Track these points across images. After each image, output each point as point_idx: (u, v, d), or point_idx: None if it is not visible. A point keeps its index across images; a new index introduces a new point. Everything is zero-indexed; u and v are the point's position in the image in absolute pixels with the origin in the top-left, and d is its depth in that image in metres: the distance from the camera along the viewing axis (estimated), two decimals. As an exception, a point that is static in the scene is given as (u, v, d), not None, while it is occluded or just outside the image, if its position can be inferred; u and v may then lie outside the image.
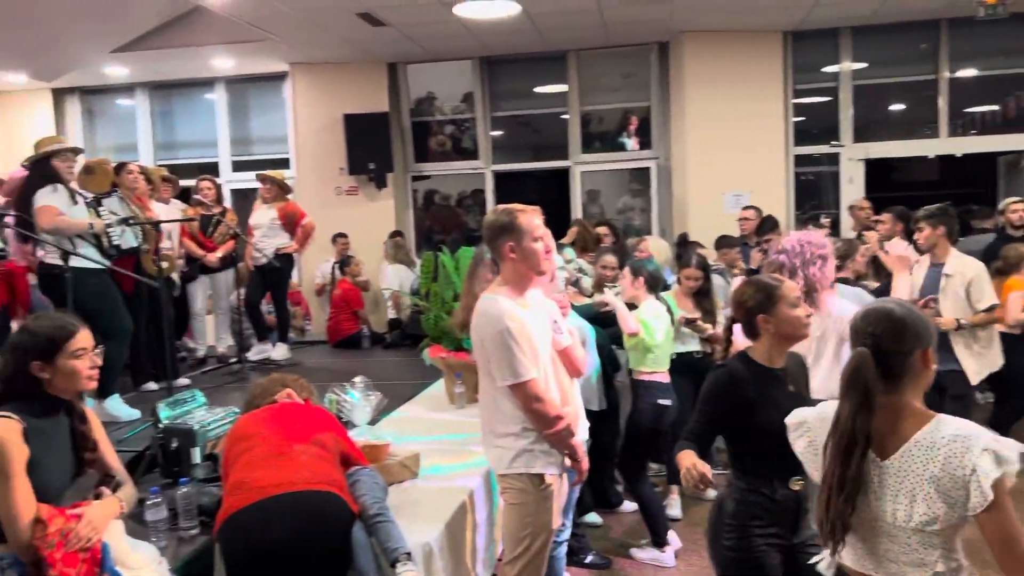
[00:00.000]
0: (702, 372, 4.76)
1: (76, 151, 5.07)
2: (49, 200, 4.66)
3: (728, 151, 8.18)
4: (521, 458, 2.73)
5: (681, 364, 4.61)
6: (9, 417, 2.17)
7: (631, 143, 9.28)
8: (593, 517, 4.66)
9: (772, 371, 2.48)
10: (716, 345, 4.86)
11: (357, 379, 4.25)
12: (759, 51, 8.22)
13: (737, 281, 4.27)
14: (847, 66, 8.48)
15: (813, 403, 2.11)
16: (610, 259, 5.31)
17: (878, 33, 8.29)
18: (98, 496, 2.35)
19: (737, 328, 2.59)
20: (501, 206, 2.84)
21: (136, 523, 2.81)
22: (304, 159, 9.17)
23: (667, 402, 4.29)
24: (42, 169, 4.79)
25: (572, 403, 2.92)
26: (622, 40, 8.60)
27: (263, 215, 6.85)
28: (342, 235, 8.56)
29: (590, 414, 3.98)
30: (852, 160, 8.54)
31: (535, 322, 2.76)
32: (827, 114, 8.60)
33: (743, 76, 8.18)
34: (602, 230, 6.92)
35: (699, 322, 4.71)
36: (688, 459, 2.33)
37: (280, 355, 6.82)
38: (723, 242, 6.25)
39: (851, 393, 1.82)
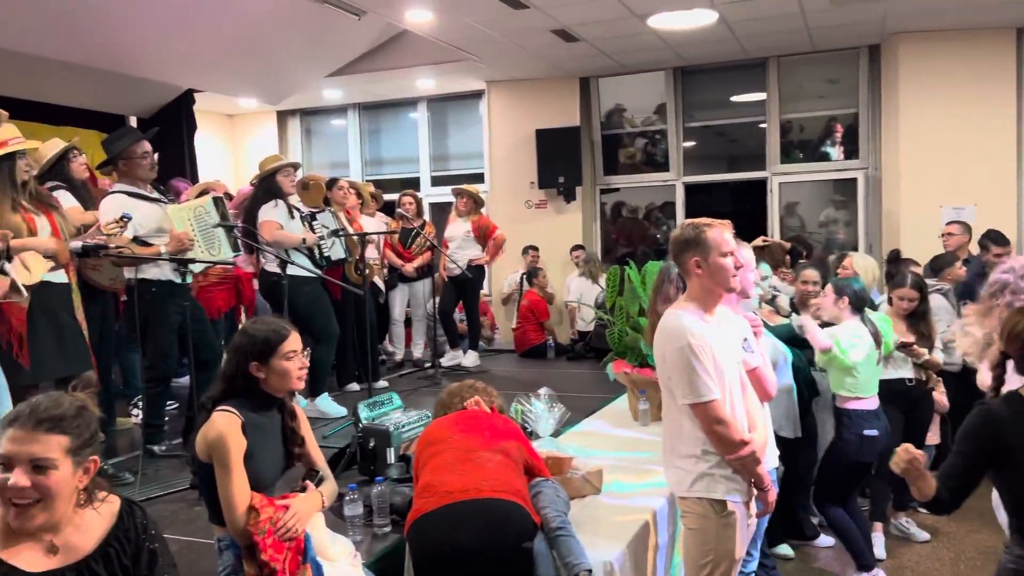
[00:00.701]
0: (914, 401, 4.44)
1: (295, 165, 5.57)
2: (270, 215, 5.14)
3: (948, 160, 7.48)
4: (701, 482, 2.61)
5: (891, 392, 4.25)
6: (230, 412, 2.39)
7: (835, 152, 8.72)
8: (785, 549, 4.40)
9: None
10: (932, 372, 4.46)
11: (542, 390, 4.29)
12: (987, 50, 7.45)
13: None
14: (1097, 62, 7.49)
15: None
16: (811, 273, 5.01)
17: None
18: (303, 489, 2.52)
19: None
20: (689, 220, 2.75)
21: (335, 516, 3.00)
22: (497, 174, 9.46)
23: (874, 432, 3.96)
24: (267, 185, 5.28)
25: (760, 428, 2.76)
26: (828, 44, 8.13)
27: (458, 228, 7.14)
28: (533, 247, 8.74)
29: (784, 441, 3.79)
30: (1102, 168, 7.52)
31: (722, 340, 2.64)
32: (1071, 117, 7.63)
33: (967, 78, 7.45)
34: (788, 244, 6.57)
35: (915, 347, 4.32)
36: (903, 447, 2.20)
37: (470, 362, 7.07)
38: (943, 260, 5.67)
39: None
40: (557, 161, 8.95)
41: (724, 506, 2.60)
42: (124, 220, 3.95)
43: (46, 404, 1.74)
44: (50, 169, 4.51)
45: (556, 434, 4.05)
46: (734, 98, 9.04)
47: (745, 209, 9.02)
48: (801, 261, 6.10)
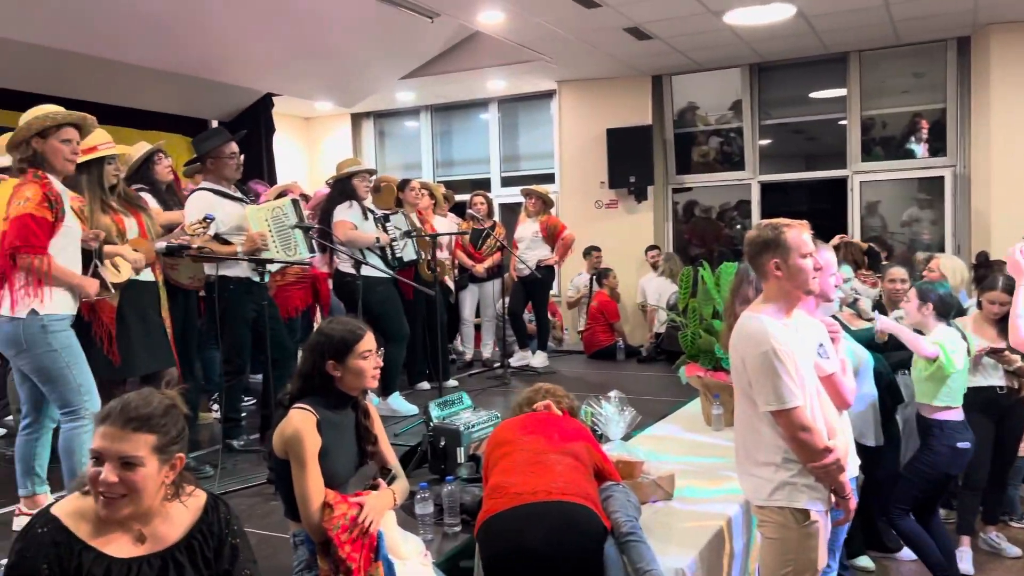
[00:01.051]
0: (1006, 410, 4.23)
1: (371, 172, 5.66)
2: (344, 215, 5.23)
3: (1044, 157, 7.12)
4: (782, 491, 2.53)
5: (981, 400, 4.05)
6: (306, 409, 2.43)
7: (920, 149, 8.39)
8: (865, 561, 4.25)
9: None
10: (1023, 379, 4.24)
11: (612, 393, 4.24)
12: (1088, 40, 7.07)
13: None
14: None
15: None
16: (899, 271, 4.81)
17: None
18: (375, 487, 2.55)
19: None
20: (766, 220, 2.68)
21: (406, 514, 3.03)
22: (567, 174, 9.43)
23: (966, 444, 3.77)
24: (342, 187, 5.38)
25: (839, 435, 2.67)
26: (913, 37, 7.83)
27: (527, 228, 7.14)
28: (595, 248, 8.65)
29: (865, 449, 3.65)
30: None
31: (801, 345, 2.56)
32: None
33: (1066, 70, 7.09)
34: (865, 245, 6.34)
35: (1006, 353, 4.11)
36: None
37: (539, 363, 7.05)
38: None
39: None
40: (628, 160, 8.87)
41: (806, 515, 2.52)
42: (207, 221, 4.08)
43: (136, 403, 1.80)
44: (136, 171, 4.69)
45: (626, 438, 4.00)
46: (813, 94, 8.80)
47: (824, 209, 8.77)
48: (884, 263, 5.88)
